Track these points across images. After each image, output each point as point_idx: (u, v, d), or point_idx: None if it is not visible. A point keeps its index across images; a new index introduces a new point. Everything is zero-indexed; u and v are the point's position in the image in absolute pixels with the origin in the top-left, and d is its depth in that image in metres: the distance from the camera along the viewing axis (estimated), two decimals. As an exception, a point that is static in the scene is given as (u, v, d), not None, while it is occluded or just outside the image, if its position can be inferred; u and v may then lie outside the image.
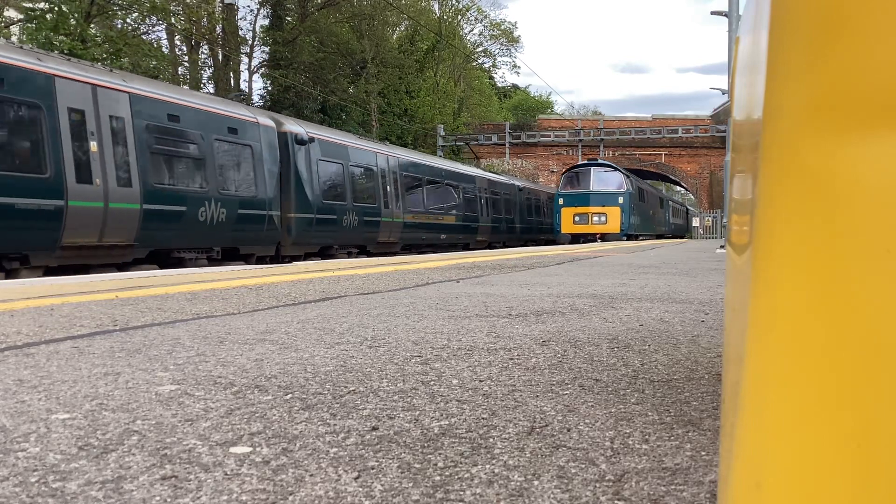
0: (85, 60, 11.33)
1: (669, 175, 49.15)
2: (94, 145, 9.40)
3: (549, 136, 40.04)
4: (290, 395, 1.48)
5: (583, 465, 1.06)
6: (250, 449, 1.12)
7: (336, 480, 0.99)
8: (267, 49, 33.37)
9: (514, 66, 69.44)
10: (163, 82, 14.65)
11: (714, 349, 2.12)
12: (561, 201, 26.17)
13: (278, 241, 13.04)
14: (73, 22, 19.62)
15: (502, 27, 56.85)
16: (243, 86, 33.40)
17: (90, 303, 3.21)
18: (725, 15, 18.03)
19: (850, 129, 0.43)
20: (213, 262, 11.51)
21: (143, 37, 26.88)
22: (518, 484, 0.98)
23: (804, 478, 0.41)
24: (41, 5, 19.91)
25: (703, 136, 45.15)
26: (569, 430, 1.24)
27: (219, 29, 31.52)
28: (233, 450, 1.12)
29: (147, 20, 26.70)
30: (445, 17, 50.09)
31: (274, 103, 29.76)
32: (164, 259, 10.62)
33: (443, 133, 38.27)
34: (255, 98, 32.64)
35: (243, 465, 1.05)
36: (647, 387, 1.59)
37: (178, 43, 31.83)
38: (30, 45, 13.15)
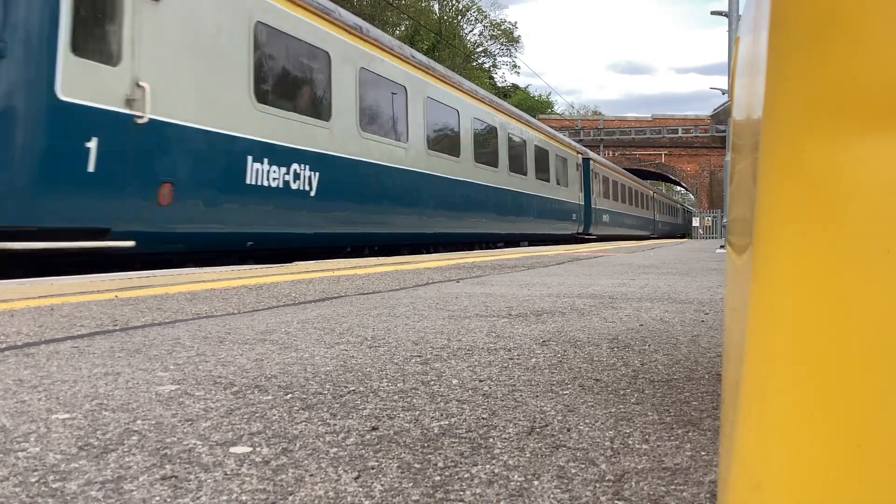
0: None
1: (669, 175, 49.16)
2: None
3: (550, 136, 40.39)
4: (290, 395, 1.48)
5: (583, 465, 1.06)
6: (250, 449, 1.12)
7: (336, 480, 0.99)
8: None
9: (514, 66, 69.54)
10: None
11: (714, 349, 2.12)
12: None
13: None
14: None
15: (502, 27, 56.89)
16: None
17: (90, 303, 3.21)
18: (725, 15, 18.04)
19: (850, 129, 0.43)
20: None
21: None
22: (518, 484, 0.98)
23: (804, 478, 0.41)
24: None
25: (703, 136, 45.14)
26: (569, 430, 1.24)
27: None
28: (233, 450, 1.12)
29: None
30: (445, 18, 50.12)
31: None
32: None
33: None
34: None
35: (243, 465, 1.05)
36: (647, 387, 1.59)
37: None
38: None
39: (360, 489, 0.96)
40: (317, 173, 8.02)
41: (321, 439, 1.18)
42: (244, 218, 6.93)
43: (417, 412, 1.36)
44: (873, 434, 0.40)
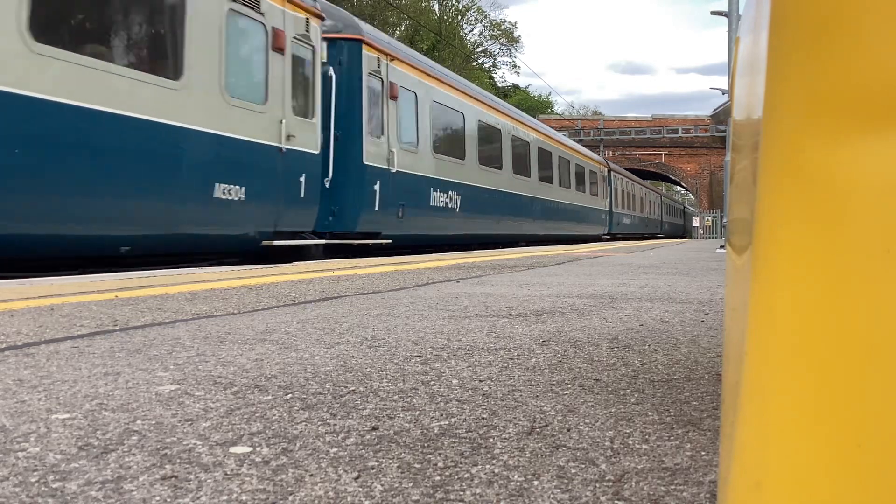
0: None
1: (669, 175, 49.17)
2: None
3: (550, 136, 40.36)
4: (290, 395, 1.48)
5: (583, 465, 1.06)
6: (250, 449, 1.12)
7: (336, 480, 0.99)
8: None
9: (514, 66, 69.54)
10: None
11: (714, 349, 2.12)
12: None
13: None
14: None
15: (502, 27, 56.92)
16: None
17: (90, 303, 3.21)
18: (725, 15, 18.04)
19: (850, 129, 0.43)
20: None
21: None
22: (518, 484, 0.98)
23: (804, 478, 0.41)
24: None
25: (703, 136, 45.15)
26: (569, 430, 1.24)
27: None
28: (233, 450, 1.12)
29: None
30: (445, 18, 50.16)
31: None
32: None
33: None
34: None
35: (243, 465, 1.05)
36: (647, 387, 1.59)
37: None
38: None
39: (360, 489, 0.96)
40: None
41: (321, 439, 1.18)
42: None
43: (417, 412, 1.35)
44: (873, 434, 0.40)
